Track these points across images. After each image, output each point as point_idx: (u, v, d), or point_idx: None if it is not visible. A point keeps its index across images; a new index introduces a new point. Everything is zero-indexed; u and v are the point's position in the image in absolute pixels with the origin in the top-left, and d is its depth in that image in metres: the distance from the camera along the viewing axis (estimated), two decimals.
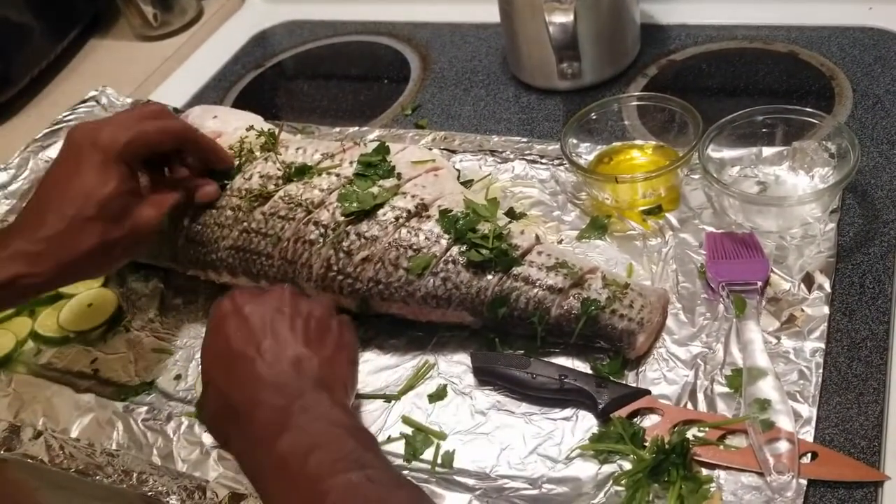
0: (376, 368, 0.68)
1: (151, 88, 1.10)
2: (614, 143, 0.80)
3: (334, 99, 1.03)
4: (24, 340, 0.79)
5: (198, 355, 0.73)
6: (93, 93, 1.05)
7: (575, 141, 0.79)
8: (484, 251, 0.66)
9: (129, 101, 1.04)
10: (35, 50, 1.14)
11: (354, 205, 0.70)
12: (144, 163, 0.68)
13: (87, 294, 0.81)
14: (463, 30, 1.08)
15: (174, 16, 1.19)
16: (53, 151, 0.97)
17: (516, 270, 0.66)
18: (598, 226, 0.74)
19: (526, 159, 0.83)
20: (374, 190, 0.71)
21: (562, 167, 0.81)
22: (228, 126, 0.82)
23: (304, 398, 0.52)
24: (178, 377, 0.72)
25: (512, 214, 0.76)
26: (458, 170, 0.81)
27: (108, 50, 1.20)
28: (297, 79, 1.11)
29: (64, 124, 1.00)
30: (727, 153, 0.75)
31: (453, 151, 0.86)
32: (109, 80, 1.08)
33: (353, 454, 0.48)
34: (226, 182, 0.75)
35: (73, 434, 0.69)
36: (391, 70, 1.04)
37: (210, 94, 1.09)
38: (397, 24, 1.12)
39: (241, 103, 1.05)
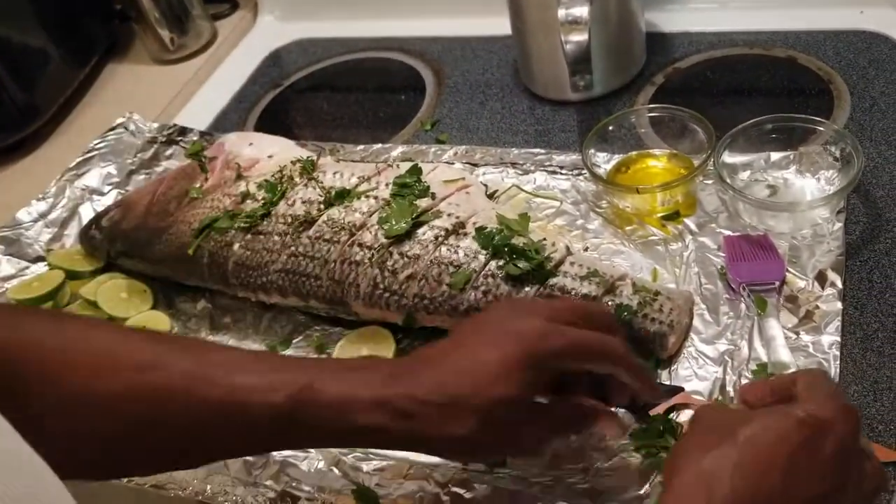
0: None
1: (175, 112, 1.14)
2: (631, 153, 0.85)
3: (354, 116, 1.07)
4: None
5: None
6: (120, 119, 1.07)
7: (593, 151, 0.84)
8: (521, 264, 0.71)
9: (155, 125, 1.07)
10: (58, 77, 1.17)
11: (396, 227, 0.74)
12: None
13: (141, 317, 0.84)
14: (473, 43, 1.12)
15: (189, 39, 1.22)
16: (88, 179, 1.01)
17: (552, 281, 0.71)
18: None
19: (546, 170, 0.88)
20: (412, 211, 0.76)
21: (581, 177, 0.86)
22: (263, 153, 0.87)
23: None
24: None
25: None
26: (484, 184, 0.86)
27: (127, 75, 1.24)
28: (315, 97, 1.14)
29: (96, 152, 1.03)
30: (738, 158, 0.80)
31: (475, 165, 0.91)
32: (132, 105, 1.10)
33: None
34: (271, 210, 0.79)
35: None
36: (407, 85, 1.09)
37: (232, 115, 1.12)
38: (408, 40, 1.16)
39: (263, 123, 1.09)
